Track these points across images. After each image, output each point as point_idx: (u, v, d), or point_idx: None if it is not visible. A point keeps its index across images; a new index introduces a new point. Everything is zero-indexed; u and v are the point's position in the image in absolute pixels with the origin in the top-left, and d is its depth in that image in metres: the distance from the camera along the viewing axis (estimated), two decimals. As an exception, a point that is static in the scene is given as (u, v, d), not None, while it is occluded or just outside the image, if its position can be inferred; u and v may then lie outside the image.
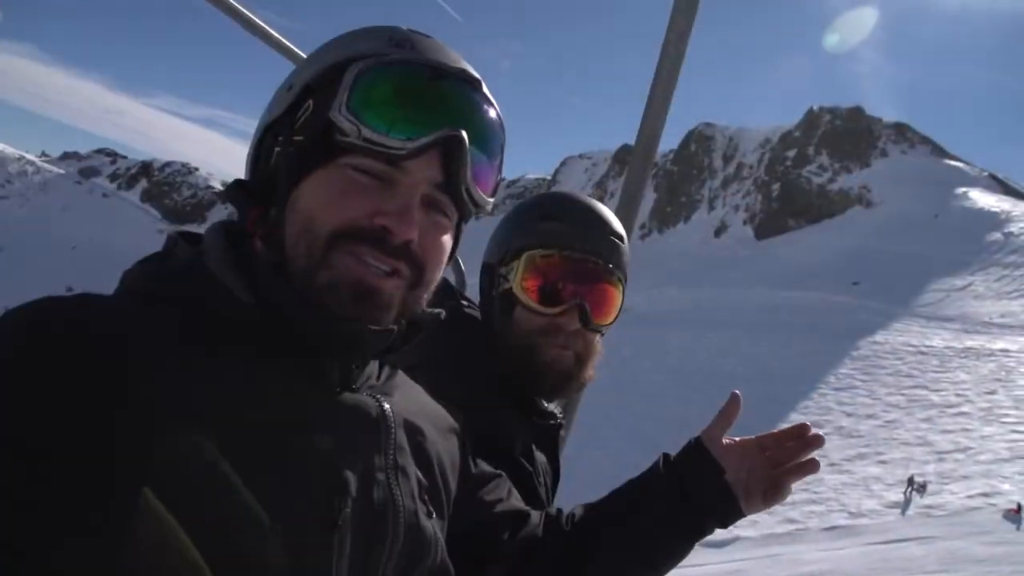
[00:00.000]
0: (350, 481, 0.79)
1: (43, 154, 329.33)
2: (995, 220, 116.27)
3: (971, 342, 65.33)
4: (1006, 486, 34.12)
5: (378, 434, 0.86)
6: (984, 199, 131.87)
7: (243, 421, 0.71)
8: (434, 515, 0.93)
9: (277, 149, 0.85)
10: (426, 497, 0.92)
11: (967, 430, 44.51)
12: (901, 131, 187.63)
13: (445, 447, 1.01)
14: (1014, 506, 29.96)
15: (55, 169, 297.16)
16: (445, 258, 0.90)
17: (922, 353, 62.59)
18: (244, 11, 1.94)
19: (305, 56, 0.94)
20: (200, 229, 0.91)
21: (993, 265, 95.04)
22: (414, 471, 0.91)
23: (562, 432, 1.50)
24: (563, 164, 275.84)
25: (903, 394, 53.13)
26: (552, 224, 1.35)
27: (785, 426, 1.22)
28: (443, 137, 0.81)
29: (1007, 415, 45.91)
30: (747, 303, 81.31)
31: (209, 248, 0.83)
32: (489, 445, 1.20)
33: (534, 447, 1.38)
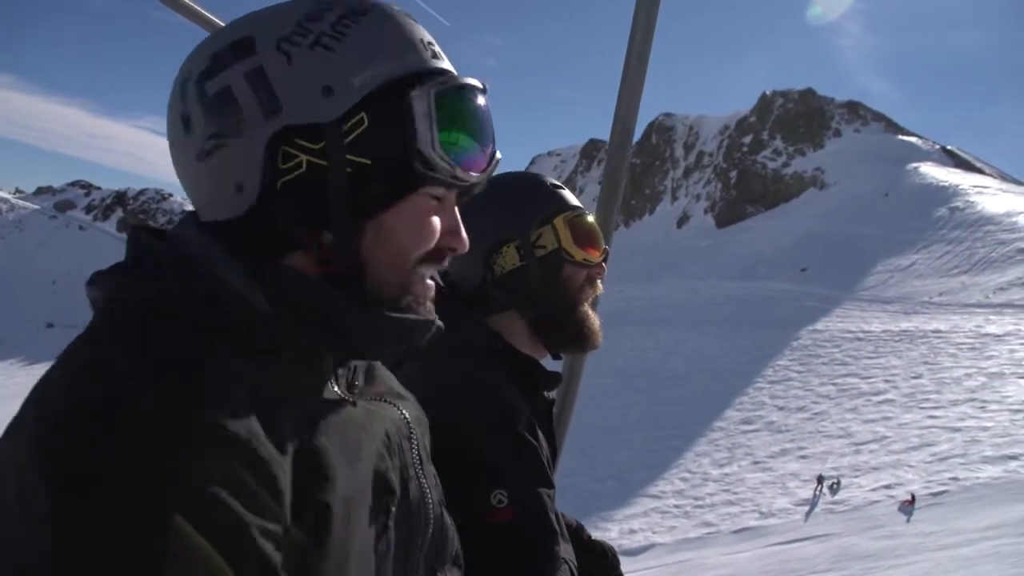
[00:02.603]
0: (394, 481, 0.82)
1: (17, 190, 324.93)
2: (943, 195, 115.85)
3: (907, 324, 65.83)
4: (909, 475, 34.60)
5: (408, 432, 0.90)
6: (934, 173, 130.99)
7: (304, 444, 0.71)
8: (446, 506, 0.99)
9: (321, 162, 0.75)
10: (441, 490, 0.98)
11: (888, 418, 45.06)
12: (854, 109, 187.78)
13: (430, 441, 1.05)
14: (909, 497, 30.67)
15: (30, 205, 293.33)
16: None
17: (859, 339, 62.97)
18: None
19: None
20: None
21: (937, 242, 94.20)
22: (430, 466, 0.96)
23: (555, 408, 1.58)
24: (532, 163, 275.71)
25: (835, 383, 53.29)
26: (562, 191, 1.52)
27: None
28: (494, 163, 0.86)
29: (927, 399, 46.33)
30: (697, 297, 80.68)
31: (210, 259, 0.74)
32: (494, 424, 1.26)
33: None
